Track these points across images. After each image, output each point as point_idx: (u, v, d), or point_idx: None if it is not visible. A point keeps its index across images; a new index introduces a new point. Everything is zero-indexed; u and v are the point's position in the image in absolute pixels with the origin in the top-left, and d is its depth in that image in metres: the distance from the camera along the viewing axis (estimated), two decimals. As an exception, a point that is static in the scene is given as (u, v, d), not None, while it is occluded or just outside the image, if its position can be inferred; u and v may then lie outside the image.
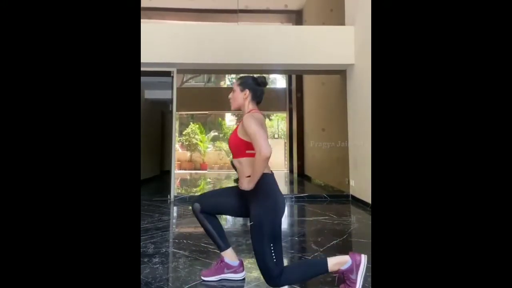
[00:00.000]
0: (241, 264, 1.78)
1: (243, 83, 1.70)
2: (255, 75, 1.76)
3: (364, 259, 1.51)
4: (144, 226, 2.81)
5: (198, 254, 2.06)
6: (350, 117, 4.28)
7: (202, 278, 1.72)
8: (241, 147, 1.64)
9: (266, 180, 1.57)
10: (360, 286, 1.47)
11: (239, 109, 1.73)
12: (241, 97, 1.70)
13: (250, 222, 1.55)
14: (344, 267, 1.50)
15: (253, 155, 1.59)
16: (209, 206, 1.74)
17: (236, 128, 1.70)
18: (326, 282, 1.63)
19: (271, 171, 1.63)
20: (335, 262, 1.50)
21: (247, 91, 1.68)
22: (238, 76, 1.80)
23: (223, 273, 1.73)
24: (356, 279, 1.48)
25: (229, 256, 1.75)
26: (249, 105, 1.70)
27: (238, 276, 1.75)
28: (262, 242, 1.49)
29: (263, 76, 1.76)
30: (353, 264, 1.49)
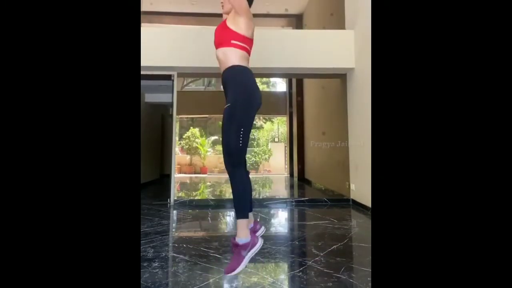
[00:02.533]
0: (256, 223, 1.83)
1: None
2: None
3: (259, 243, 1.63)
4: (144, 230, 2.80)
5: (198, 259, 2.05)
6: (350, 121, 4.28)
7: (230, 274, 1.61)
8: (228, 36, 1.71)
9: (245, 72, 1.72)
10: (245, 265, 1.57)
11: (228, 12, 1.80)
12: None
13: (226, 105, 1.65)
14: (241, 241, 1.57)
15: (238, 46, 1.72)
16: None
17: (225, 20, 1.78)
18: (326, 287, 1.62)
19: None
20: (245, 227, 1.61)
21: None
22: None
23: (244, 255, 1.64)
24: (244, 257, 1.57)
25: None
26: None
27: (260, 241, 1.76)
28: (233, 123, 1.60)
29: None
30: (249, 243, 1.58)
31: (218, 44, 1.78)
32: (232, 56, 1.73)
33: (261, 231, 1.87)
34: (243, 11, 1.70)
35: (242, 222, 1.63)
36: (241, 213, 1.63)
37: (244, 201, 1.64)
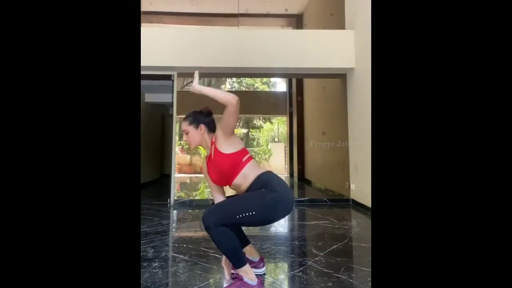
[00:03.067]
0: (262, 260, 1.79)
1: (195, 121, 1.68)
2: (199, 110, 1.73)
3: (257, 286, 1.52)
4: (144, 230, 2.80)
5: (198, 259, 2.05)
6: (350, 121, 4.28)
7: None
8: (233, 161, 1.56)
9: (271, 177, 1.57)
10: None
11: (199, 145, 1.68)
12: (199, 134, 1.66)
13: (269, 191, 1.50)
14: (248, 281, 1.50)
15: (249, 158, 1.59)
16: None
17: (210, 154, 1.64)
18: (326, 287, 1.62)
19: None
20: (249, 271, 1.52)
21: (202, 126, 1.66)
22: (183, 117, 1.75)
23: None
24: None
25: (249, 252, 1.76)
26: (208, 138, 1.67)
27: (259, 271, 1.74)
28: (236, 209, 1.47)
29: (205, 106, 1.74)
30: (255, 286, 1.50)
31: (229, 178, 1.60)
32: (254, 169, 1.58)
33: (262, 270, 1.78)
34: (233, 129, 1.57)
35: (243, 269, 1.53)
36: (239, 263, 1.52)
37: (237, 253, 1.52)
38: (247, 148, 1.65)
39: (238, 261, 1.51)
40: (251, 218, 1.46)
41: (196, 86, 1.57)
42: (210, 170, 1.66)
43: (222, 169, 1.59)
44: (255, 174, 1.57)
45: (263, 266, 1.79)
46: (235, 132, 1.63)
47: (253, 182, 1.57)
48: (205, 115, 1.71)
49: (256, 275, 1.59)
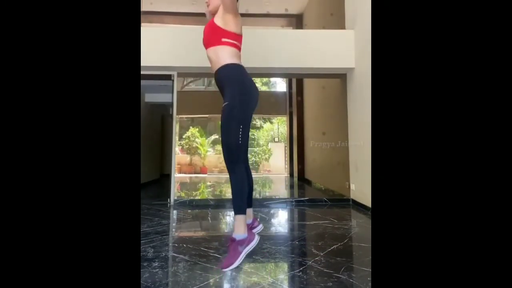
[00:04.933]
0: (255, 219, 1.89)
1: None
2: None
3: (256, 240, 1.68)
4: (144, 230, 2.80)
5: (198, 259, 2.05)
6: (350, 121, 4.28)
7: (224, 270, 1.65)
8: (218, 34, 1.73)
9: (240, 70, 1.75)
10: (241, 261, 1.62)
11: (215, 10, 1.81)
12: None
13: (224, 103, 1.67)
14: (238, 237, 1.61)
15: (229, 44, 1.74)
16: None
17: (212, 19, 1.79)
18: (326, 287, 1.62)
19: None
20: (243, 223, 1.65)
21: None
22: None
23: (241, 251, 1.66)
24: (241, 252, 1.62)
25: (248, 215, 1.86)
26: None
27: (257, 229, 1.83)
28: (233, 121, 1.63)
29: None
30: (246, 239, 1.62)
31: (208, 43, 1.79)
32: (225, 55, 1.75)
33: (259, 228, 1.89)
34: (232, 8, 1.71)
35: (239, 218, 1.64)
36: (239, 209, 1.64)
37: (242, 197, 1.65)
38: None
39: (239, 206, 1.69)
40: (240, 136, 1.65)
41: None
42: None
43: (205, 32, 1.81)
44: (224, 61, 1.74)
45: (259, 224, 1.95)
46: (236, 20, 1.77)
47: (220, 68, 1.75)
48: None
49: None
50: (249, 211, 1.84)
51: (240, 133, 1.63)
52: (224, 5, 1.72)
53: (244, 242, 1.64)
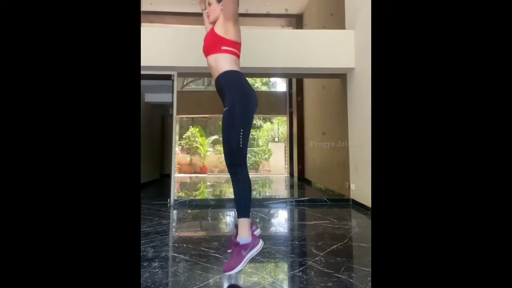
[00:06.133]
0: (253, 223, 1.87)
1: None
2: None
3: (260, 245, 1.67)
4: (144, 230, 2.80)
5: (198, 259, 2.05)
6: (350, 121, 4.28)
7: (228, 273, 1.62)
8: (218, 42, 1.77)
9: (239, 76, 1.78)
10: (244, 265, 1.61)
11: (215, 20, 1.84)
12: (219, 9, 1.82)
13: (225, 108, 1.70)
14: (242, 241, 1.60)
15: (229, 51, 1.78)
16: None
17: (212, 27, 1.84)
18: (326, 287, 1.62)
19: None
20: (248, 227, 1.64)
21: (224, 2, 1.79)
22: None
23: (244, 255, 1.64)
24: (244, 257, 1.61)
25: None
26: None
27: (256, 232, 1.84)
28: (233, 125, 1.64)
29: None
30: (250, 243, 1.62)
31: (208, 52, 1.83)
32: (224, 62, 1.79)
33: (257, 232, 1.89)
34: (233, 16, 1.74)
35: (244, 221, 1.64)
36: (243, 213, 1.65)
37: (246, 200, 1.66)
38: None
39: (245, 210, 1.67)
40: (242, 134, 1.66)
41: None
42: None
43: (206, 41, 1.85)
44: (224, 68, 1.77)
45: (257, 228, 1.95)
46: (236, 28, 1.81)
47: (220, 75, 1.78)
48: None
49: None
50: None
51: (241, 137, 1.64)
52: (225, 13, 1.75)
53: (248, 247, 1.65)
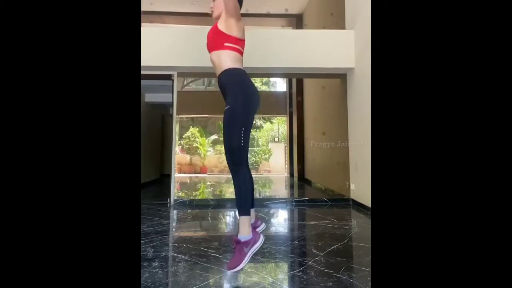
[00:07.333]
0: (258, 219, 1.89)
1: None
2: None
3: (261, 240, 1.67)
4: (144, 230, 2.80)
5: (198, 259, 2.05)
6: (350, 121, 4.28)
7: (232, 271, 1.63)
8: (220, 39, 1.76)
9: (241, 74, 1.77)
10: (247, 262, 1.61)
11: (219, 16, 1.84)
12: (222, 5, 1.80)
13: (226, 106, 1.70)
14: (243, 238, 1.61)
15: (232, 48, 1.77)
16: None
17: (215, 24, 1.83)
18: (326, 287, 1.62)
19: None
20: (247, 224, 1.65)
21: None
22: None
23: (247, 252, 1.64)
24: (247, 254, 1.61)
25: (252, 215, 1.83)
26: None
27: (260, 228, 1.85)
28: (235, 124, 1.65)
29: None
30: (251, 240, 1.63)
31: (211, 48, 1.83)
32: (227, 59, 1.78)
33: (262, 227, 1.90)
34: (234, 13, 1.73)
35: (244, 219, 1.65)
36: (243, 211, 1.65)
37: (246, 198, 1.67)
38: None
39: (245, 208, 1.68)
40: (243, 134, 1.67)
41: None
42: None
43: (209, 37, 1.84)
44: (226, 66, 1.76)
45: (262, 223, 1.95)
46: (238, 25, 1.80)
47: (222, 72, 1.78)
48: None
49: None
50: (252, 211, 1.85)
51: (242, 135, 1.64)
52: (227, 10, 1.74)
53: (249, 243, 1.66)
